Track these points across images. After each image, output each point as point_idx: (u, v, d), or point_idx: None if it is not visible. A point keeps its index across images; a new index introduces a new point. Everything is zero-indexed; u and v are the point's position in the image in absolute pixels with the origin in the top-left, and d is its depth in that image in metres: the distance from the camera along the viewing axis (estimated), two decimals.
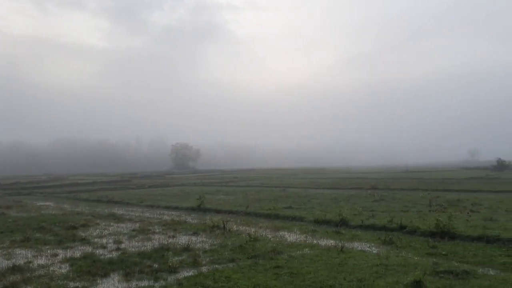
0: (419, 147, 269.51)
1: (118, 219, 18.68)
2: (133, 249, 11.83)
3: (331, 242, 12.13)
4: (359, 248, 11.31)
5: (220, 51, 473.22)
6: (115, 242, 13.07)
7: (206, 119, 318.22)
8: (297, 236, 13.41)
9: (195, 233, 14.29)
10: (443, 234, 12.35)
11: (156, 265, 9.81)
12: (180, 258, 10.51)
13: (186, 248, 11.54)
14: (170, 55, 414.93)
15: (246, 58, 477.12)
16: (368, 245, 11.72)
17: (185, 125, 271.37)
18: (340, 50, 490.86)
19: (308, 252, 10.93)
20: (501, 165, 65.04)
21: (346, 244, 11.56)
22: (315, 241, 12.44)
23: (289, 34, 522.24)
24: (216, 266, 9.67)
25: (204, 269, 9.44)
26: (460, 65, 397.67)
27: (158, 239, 13.32)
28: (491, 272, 8.61)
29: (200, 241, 12.82)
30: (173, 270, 9.31)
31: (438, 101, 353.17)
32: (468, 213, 15.94)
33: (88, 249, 12.10)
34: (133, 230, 15.25)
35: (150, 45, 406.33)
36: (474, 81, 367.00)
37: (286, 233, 14.14)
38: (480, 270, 8.75)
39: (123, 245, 12.51)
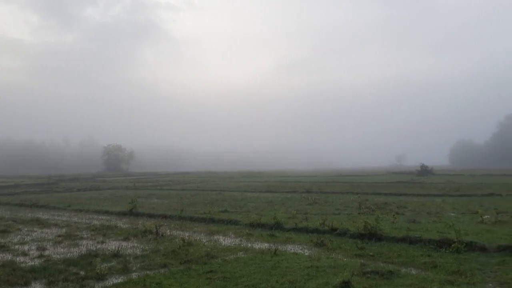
0: (352, 153, 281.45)
1: (42, 224, 17.55)
2: (58, 256, 11.17)
3: (265, 245, 12.25)
4: (292, 251, 11.52)
5: (157, 50, 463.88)
6: (38, 248, 12.28)
7: (140, 120, 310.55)
8: (232, 240, 13.39)
9: (126, 238, 13.78)
10: (370, 235, 12.92)
11: (82, 273, 9.32)
12: (109, 264, 10.07)
13: (116, 254, 11.09)
14: (103, 53, 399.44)
15: (184, 59, 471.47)
16: (300, 248, 11.97)
17: (118, 126, 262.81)
18: (279, 55, 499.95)
19: (242, 255, 10.94)
20: (424, 170, 69.73)
21: (279, 247, 11.74)
22: (249, 245, 12.49)
23: (229, 37, 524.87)
24: (147, 272, 9.38)
25: (134, 275, 9.12)
26: (395, 76, 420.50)
27: (86, 245, 12.69)
28: (413, 271, 9.13)
29: (131, 247, 12.38)
30: (101, 277, 8.91)
31: (371, 109, 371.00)
32: (394, 215, 16.78)
33: (8, 256, 11.28)
34: (59, 236, 14.41)
35: (82, 41, 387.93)
36: (407, 92, 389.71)
37: (221, 237, 14.07)
38: (404, 269, 9.24)
39: (47, 252, 11.78)
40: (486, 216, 16.29)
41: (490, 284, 8.08)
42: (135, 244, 12.79)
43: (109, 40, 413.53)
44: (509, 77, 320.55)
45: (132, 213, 20.76)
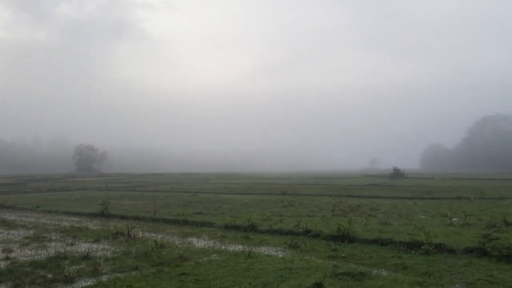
0: (328, 155, 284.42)
1: (9, 225, 17.02)
2: (25, 258, 10.84)
3: (239, 247, 12.19)
4: (266, 253, 11.51)
5: (134, 49, 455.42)
6: (4, 250, 11.90)
7: (114, 120, 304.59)
8: (206, 242, 13.28)
9: (96, 240, 13.49)
10: (343, 237, 13.05)
11: (50, 275, 9.06)
12: (78, 267, 9.82)
13: (86, 256, 10.83)
14: (78, 51, 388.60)
15: (161, 59, 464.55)
16: (274, 250, 11.97)
17: (91, 125, 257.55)
18: (258, 58, 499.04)
19: (216, 258, 10.86)
20: (396, 174, 71.06)
21: (253, 249, 11.70)
22: (223, 247, 12.41)
23: (207, 38, 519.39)
24: (118, 274, 9.19)
25: (104, 278, 8.93)
26: (370, 81, 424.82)
27: (55, 247, 12.35)
28: (384, 273, 9.26)
29: (101, 249, 12.12)
30: (69, 280, 8.69)
31: (347, 113, 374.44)
32: (366, 217, 17.05)
33: None
34: (26, 238, 13.99)
35: (55, 38, 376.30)
36: (381, 97, 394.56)
37: (194, 239, 13.94)
38: (375, 271, 9.36)
39: (13, 254, 11.42)
40: (454, 219, 16.71)
41: (457, 285, 8.26)
42: (106, 246, 12.53)
43: (84, 38, 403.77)
44: (480, 84, 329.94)
45: (103, 214, 20.36)
